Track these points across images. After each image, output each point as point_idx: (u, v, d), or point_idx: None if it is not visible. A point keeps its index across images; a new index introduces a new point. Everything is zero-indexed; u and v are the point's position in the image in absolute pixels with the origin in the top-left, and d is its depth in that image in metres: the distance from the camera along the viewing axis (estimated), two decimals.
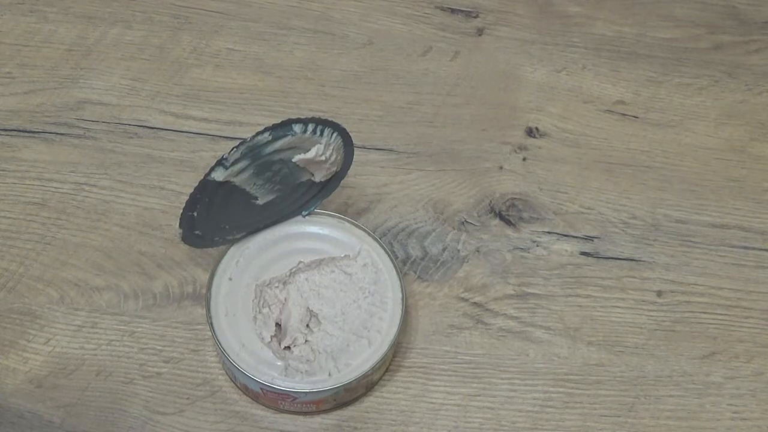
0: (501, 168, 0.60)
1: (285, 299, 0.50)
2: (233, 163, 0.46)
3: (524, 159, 0.60)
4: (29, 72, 0.62)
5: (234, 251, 0.51)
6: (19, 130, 0.58)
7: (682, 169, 0.61)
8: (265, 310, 0.49)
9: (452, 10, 0.68)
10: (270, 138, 0.46)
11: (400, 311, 0.49)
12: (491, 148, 0.60)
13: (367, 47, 0.65)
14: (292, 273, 0.51)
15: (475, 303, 0.53)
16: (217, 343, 0.47)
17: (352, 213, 0.57)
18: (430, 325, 0.52)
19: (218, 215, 0.49)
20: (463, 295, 0.54)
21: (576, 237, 0.57)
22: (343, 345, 0.48)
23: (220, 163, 0.46)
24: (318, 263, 0.51)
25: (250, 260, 0.51)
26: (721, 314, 0.54)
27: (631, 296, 0.54)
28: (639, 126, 0.63)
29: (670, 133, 0.62)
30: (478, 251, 0.56)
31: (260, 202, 0.50)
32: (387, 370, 0.51)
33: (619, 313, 0.54)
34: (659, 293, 0.55)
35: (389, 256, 0.51)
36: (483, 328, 0.52)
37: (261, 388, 0.47)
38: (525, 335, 0.52)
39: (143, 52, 0.63)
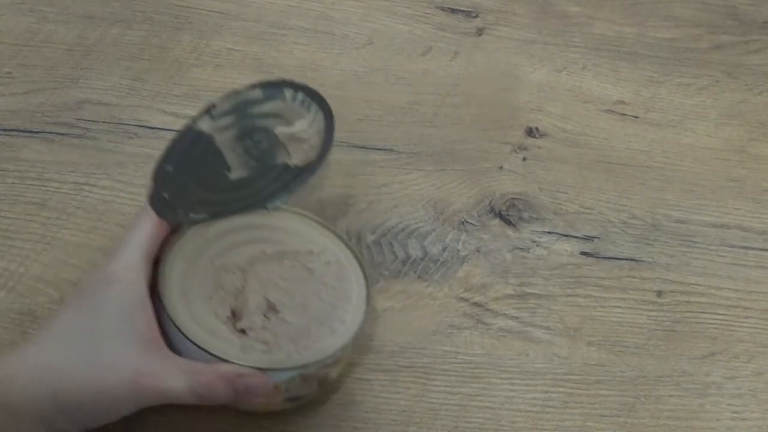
0: (501, 168, 0.60)
1: (242, 287, 0.48)
2: (221, 116, 0.45)
3: (524, 159, 0.60)
4: (29, 72, 0.62)
5: (194, 232, 0.48)
6: (19, 130, 0.59)
7: (682, 169, 0.61)
8: (221, 293, 0.47)
9: (452, 10, 0.68)
10: (261, 96, 0.45)
11: (364, 305, 0.47)
12: (491, 148, 0.60)
13: (367, 47, 0.65)
14: (252, 261, 0.49)
15: (475, 303, 0.53)
16: (169, 318, 0.44)
17: (352, 213, 0.57)
18: (430, 325, 0.52)
19: (190, 177, 0.47)
20: (463, 295, 0.54)
21: (576, 237, 0.57)
22: (303, 331, 0.46)
23: (208, 111, 0.45)
24: (280, 255, 0.49)
25: (210, 243, 0.48)
26: (721, 314, 0.54)
27: (631, 296, 0.54)
28: (639, 126, 0.63)
29: (670, 133, 0.63)
30: (478, 251, 0.56)
31: (233, 176, 0.48)
32: (345, 369, 0.49)
33: (619, 313, 0.54)
34: (659, 293, 0.55)
35: (356, 257, 0.50)
36: (483, 328, 0.52)
37: (206, 362, 0.44)
38: (525, 335, 0.52)
39: (143, 52, 0.63)
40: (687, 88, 0.65)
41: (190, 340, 0.44)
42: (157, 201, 0.47)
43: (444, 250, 0.56)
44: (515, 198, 0.58)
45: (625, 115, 0.63)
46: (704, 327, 0.54)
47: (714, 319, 0.54)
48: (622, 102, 0.64)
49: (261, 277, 0.48)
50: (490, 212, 0.57)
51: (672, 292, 0.55)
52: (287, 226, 0.50)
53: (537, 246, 0.56)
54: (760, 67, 0.67)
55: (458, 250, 0.56)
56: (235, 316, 0.47)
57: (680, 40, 0.68)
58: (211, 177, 0.48)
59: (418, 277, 0.54)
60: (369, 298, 0.48)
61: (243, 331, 0.46)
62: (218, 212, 0.49)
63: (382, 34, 0.66)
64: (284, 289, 0.48)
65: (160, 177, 0.46)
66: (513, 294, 0.54)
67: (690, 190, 0.60)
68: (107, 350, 0.42)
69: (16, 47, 0.63)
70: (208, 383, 0.43)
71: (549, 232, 0.57)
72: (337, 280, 0.48)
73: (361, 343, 0.51)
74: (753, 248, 0.57)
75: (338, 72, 0.64)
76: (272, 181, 0.49)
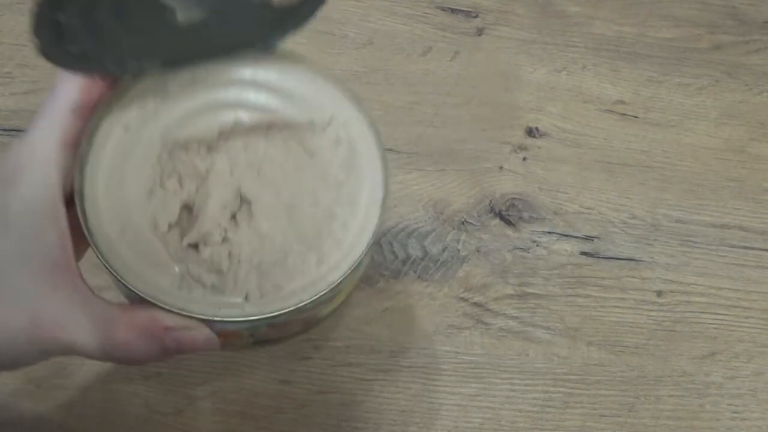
0: (501, 168, 0.60)
1: (206, 172, 0.34)
2: None
3: (524, 159, 0.60)
4: (29, 72, 0.62)
5: (141, 88, 0.34)
6: (19, 130, 0.58)
7: (682, 169, 0.61)
8: (172, 184, 0.33)
9: (452, 10, 0.68)
10: None
11: (376, 218, 0.34)
12: (491, 148, 0.60)
13: (367, 47, 0.65)
14: (225, 135, 0.34)
15: (475, 303, 0.53)
16: (83, 223, 0.31)
17: None
18: (430, 325, 0.52)
19: (110, 25, 0.32)
20: (463, 295, 0.54)
21: (576, 237, 0.57)
22: (278, 256, 0.32)
23: None
24: (267, 127, 0.35)
25: (163, 106, 0.34)
26: (721, 314, 0.54)
27: (631, 296, 0.54)
28: (639, 126, 0.63)
29: (670, 133, 0.62)
30: (478, 251, 0.56)
31: (181, 18, 0.33)
32: (345, 303, 0.39)
33: (619, 313, 0.54)
34: (659, 293, 0.55)
35: (374, 134, 0.36)
36: (483, 328, 0.52)
37: (130, 299, 0.33)
38: (525, 335, 0.52)
39: None
40: (687, 88, 0.65)
41: (108, 268, 0.31)
42: (59, 55, 0.31)
43: (444, 250, 0.56)
44: (515, 198, 0.58)
45: (625, 115, 0.63)
46: (704, 327, 0.54)
47: (714, 319, 0.54)
48: (622, 102, 0.64)
49: (235, 159, 0.34)
50: (490, 212, 0.57)
51: (672, 292, 0.55)
52: (280, 81, 0.35)
53: (537, 246, 0.56)
54: (760, 67, 0.67)
55: (458, 250, 0.56)
56: (189, 217, 0.33)
57: (680, 40, 0.68)
58: (146, 23, 0.33)
59: (418, 277, 0.54)
60: (385, 203, 0.34)
61: (194, 246, 0.33)
62: (174, 60, 0.33)
63: (382, 34, 0.66)
64: (267, 180, 0.34)
65: (48, 29, 0.31)
66: (513, 294, 0.54)
67: (690, 190, 0.60)
68: (2, 280, 0.30)
69: (16, 47, 0.63)
70: (123, 342, 0.31)
71: (549, 232, 0.57)
72: (345, 170, 0.34)
73: (363, 342, 0.51)
74: (753, 248, 0.57)
75: (338, 72, 0.64)
76: (250, 22, 0.34)
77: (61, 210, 0.31)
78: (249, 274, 0.32)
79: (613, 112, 0.63)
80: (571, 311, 0.54)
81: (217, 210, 0.33)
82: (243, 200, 0.34)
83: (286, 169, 0.34)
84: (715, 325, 0.54)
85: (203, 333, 0.31)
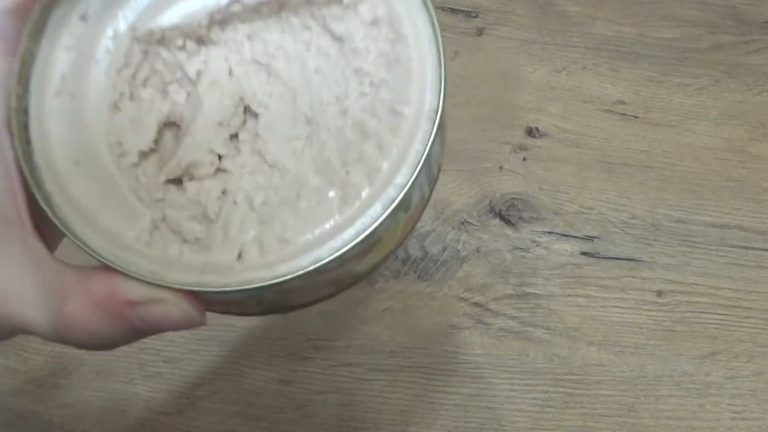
0: (501, 168, 0.60)
1: (198, 74, 0.25)
2: None
3: (524, 159, 0.60)
4: None
5: None
6: None
7: (682, 169, 0.61)
8: (148, 92, 0.25)
9: (452, 10, 0.68)
10: None
11: (428, 137, 0.24)
12: (491, 148, 0.60)
13: None
14: (220, 21, 0.25)
15: (475, 303, 0.53)
16: (20, 153, 0.23)
17: None
18: (430, 325, 0.52)
19: None
20: (463, 295, 0.54)
21: (576, 237, 0.57)
22: (288, 193, 0.24)
23: None
24: (277, 5, 0.26)
25: None
26: (721, 314, 0.54)
27: (631, 296, 0.54)
28: (639, 126, 0.63)
29: (670, 133, 0.62)
30: (478, 251, 0.56)
31: None
32: (402, 246, 0.29)
33: (619, 313, 0.54)
34: (659, 293, 0.55)
35: (427, 12, 0.27)
36: (483, 328, 0.52)
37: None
38: (525, 335, 0.52)
39: None
40: (687, 88, 0.65)
41: (52, 217, 0.24)
42: None
43: (444, 250, 0.56)
44: (515, 198, 0.58)
45: (625, 115, 0.63)
46: (704, 327, 0.54)
47: (714, 319, 0.54)
48: (622, 102, 0.64)
49: (236, 55, 0.25)
50: (490, 212, 0.57)
51: (672, 292, 0.55)
52: None
53: (537, 246, 0.56)
54: (760, 67, 0.67)
55: (458, 250, 0.56)
56: (173, 138, 0.25)
57: (680, 40, 0.68)
58: None
59: (418, 277, 0.54)
60: (441, 114, 0.25)
61: (177, 182, 0.24)
62: None
63: None
64: (282, 81, 0.25)
65: None
66: (513, 294, 0.54)
67: (690, 190, 0.60)
68: None
69: None
70: (78, 322, 0.23)
71: (549, 232, 0.57)
72: (387, 66, 0.25)
73: (363, 342, 0.51)
74: (753, 248, 0.57)
75: None
76: None
77: (5, 141, 0.23)
78: (246, 221, 0.23)
79: (613, 112, 0.63)
80: (571, 311, 0.54)
81: (210, 129, 0.24)
82: (249, 112, 0.25)
83: (305, 65, 0.25)
84: (715, 325, 0.54)
85: (180, 308, 0.23)
